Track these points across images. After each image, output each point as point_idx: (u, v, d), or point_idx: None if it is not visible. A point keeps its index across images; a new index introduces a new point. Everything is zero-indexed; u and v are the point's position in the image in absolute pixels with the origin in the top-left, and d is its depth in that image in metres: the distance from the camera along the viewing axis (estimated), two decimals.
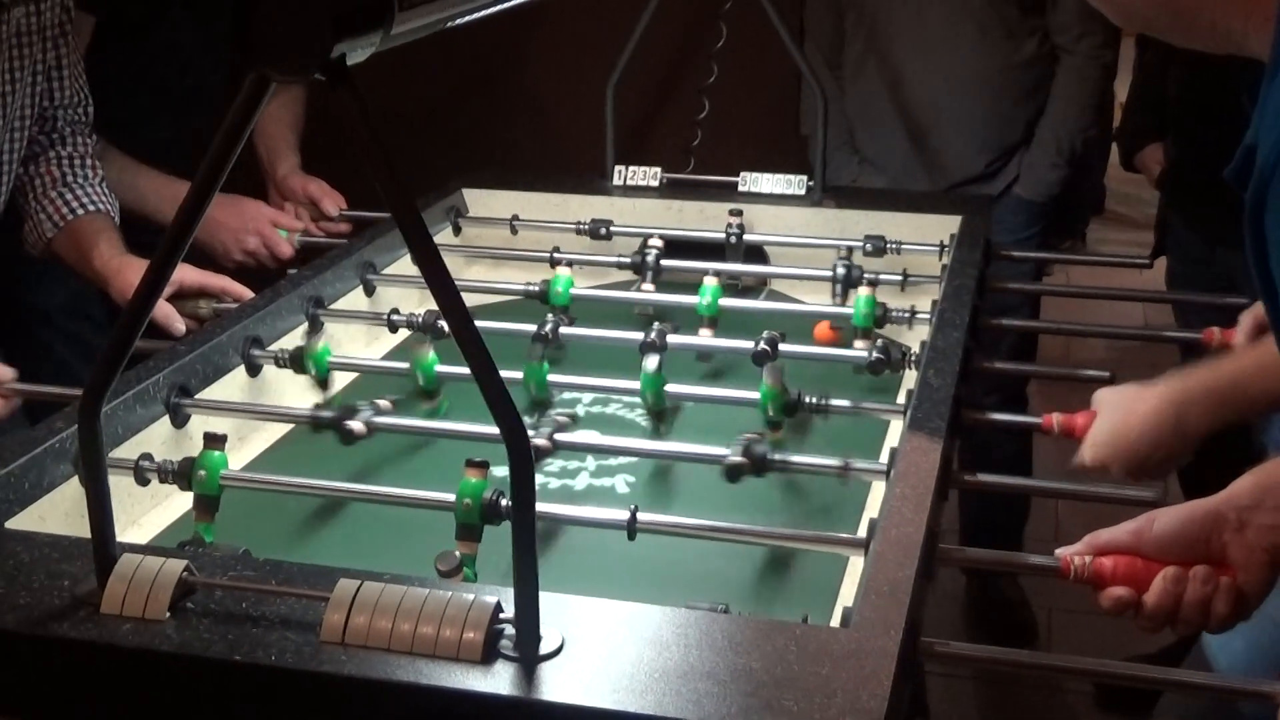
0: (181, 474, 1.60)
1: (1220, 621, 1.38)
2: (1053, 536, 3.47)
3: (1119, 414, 1.72)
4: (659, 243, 2.42)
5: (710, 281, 2.21)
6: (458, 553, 1.37)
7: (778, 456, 1.62)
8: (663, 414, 1.97)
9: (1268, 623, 1.55)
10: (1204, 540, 1.37)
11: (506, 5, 1.33)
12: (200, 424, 1.73)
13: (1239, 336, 1.90)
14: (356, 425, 1.74)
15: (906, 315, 2.12)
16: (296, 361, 1.94)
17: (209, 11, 2.52)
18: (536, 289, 2.28)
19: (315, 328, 2.08)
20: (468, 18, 1.25)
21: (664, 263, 2.40)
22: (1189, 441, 1.69)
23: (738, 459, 1.61)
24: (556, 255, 2.42)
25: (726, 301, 2.23)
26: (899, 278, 2.31)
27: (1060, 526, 3.68)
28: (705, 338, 2.15)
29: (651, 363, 1.87)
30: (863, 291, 2.16)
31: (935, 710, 2.62)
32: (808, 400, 1.81)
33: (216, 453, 1.59)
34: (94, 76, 2.31)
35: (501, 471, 1.20)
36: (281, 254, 2.54)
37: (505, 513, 1.43)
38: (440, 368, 1.95)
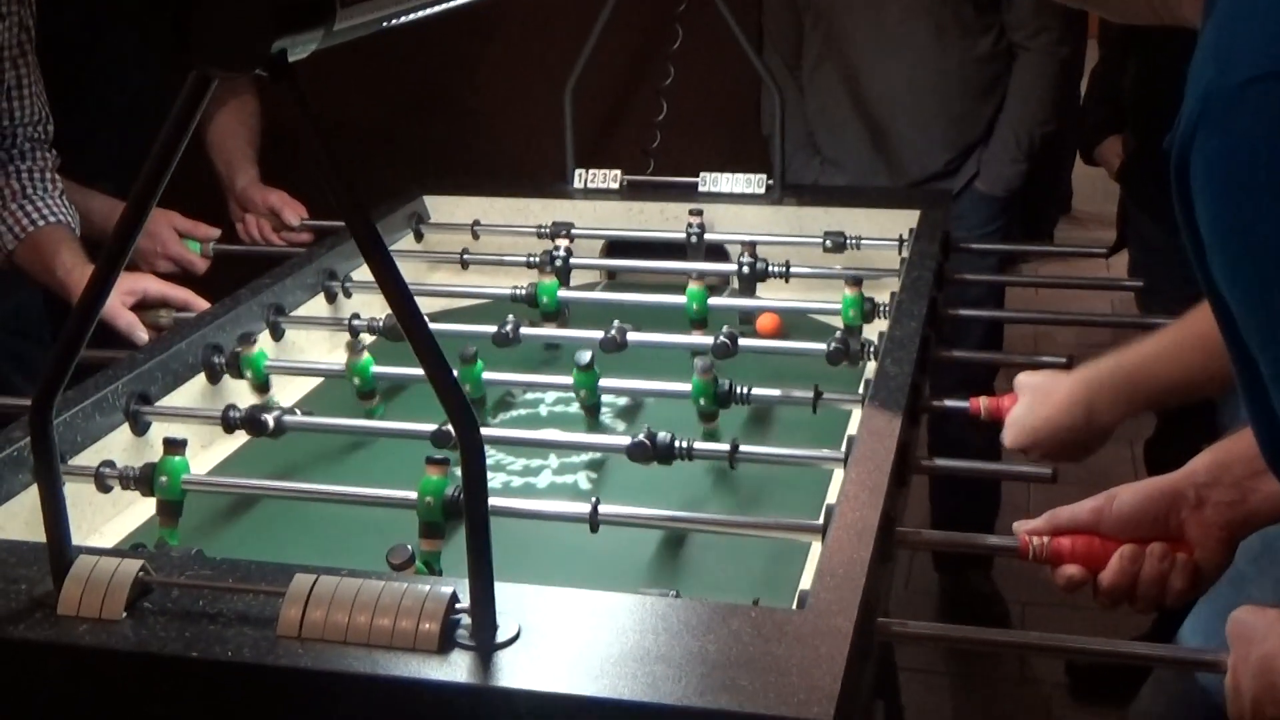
0: (143, 479, 1.60)
1: (1177, 597, 1.39)
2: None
3: (1035, 399, 1.74)
4: (566, 242, 2.44)
5: (695, 285, 2.20)
6: (409, 546, 1.37)
7: (684, 444, 1.63)
8: (633, 411, 1.99)
9: (1234, 591, 1.56)
10: (1163, 518, 1.39)
11: (449, 5, 1.34)
12: (161, 431, 1.74)
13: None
14: (267, 420, 1.76)
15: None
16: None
17: (150, 29, 2.52)
18: (524, 293, 2.26)
19: (278, 336, 2.09)
20: (410, 16, 1.26)
21: (574, 261, 2.42)
22: (1101, 427, 1.70)
23: (640, 440, 1.63)
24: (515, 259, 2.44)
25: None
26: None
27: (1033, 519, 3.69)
28: (662, 335, 2.15)
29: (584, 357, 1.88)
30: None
31: (909, 703, 2.62)
32: (739, 391, 1.82)
33: (177, 458, 1.60)
34: None
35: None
36: (195, 270, 2.50)
37: None
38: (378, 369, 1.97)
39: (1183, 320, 1.60)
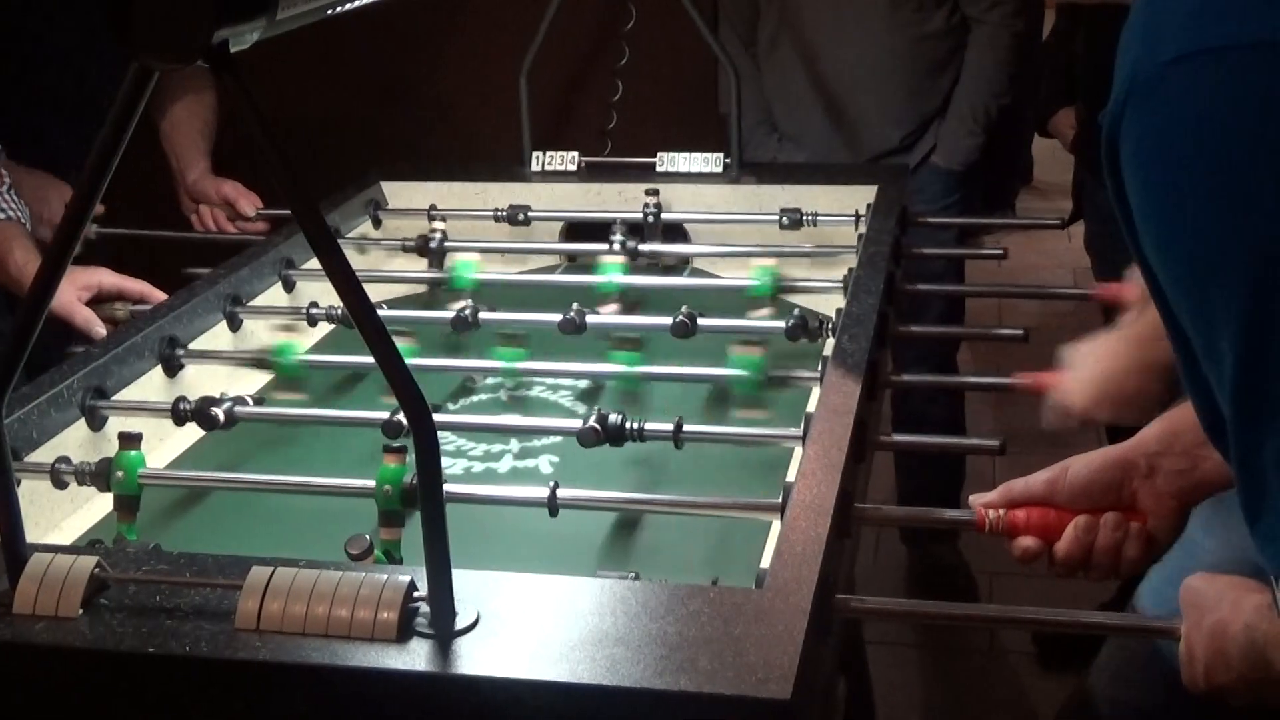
0: (99, 474, 1.59)
1: (1131, 566, 1.40)
2: None
3: (1085, 361, 1.74)
4: (441, 225, 2.45)
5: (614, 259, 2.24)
6: (368, 536, 1.37)
7: (634, 426, 1.63)
8: (594, 394, 1.98)
9: (1187, 556, 1.57)
10: (1116, 487, 1.40)
11: None
12: (118, 425, 1.72)
13: (1134, 289, 1.91)
14: (217, 414, 1.75)
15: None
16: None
17: (99, 20, 2.48)
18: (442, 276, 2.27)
19: (235, 326, 2.08)
20: (353, 4, 1.25)
21: (449, 244, 2.43)
22: (1157, 374, 1.69)
23: (591, 426, 1.63)
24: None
25: (647, 280, 2.27)
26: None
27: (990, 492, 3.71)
28: (627, 316, 2.15)
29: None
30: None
31: (877, 678, 2.64)
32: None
33: (133, 452, 1.59)
34: None
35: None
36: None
37: None
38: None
39: None
